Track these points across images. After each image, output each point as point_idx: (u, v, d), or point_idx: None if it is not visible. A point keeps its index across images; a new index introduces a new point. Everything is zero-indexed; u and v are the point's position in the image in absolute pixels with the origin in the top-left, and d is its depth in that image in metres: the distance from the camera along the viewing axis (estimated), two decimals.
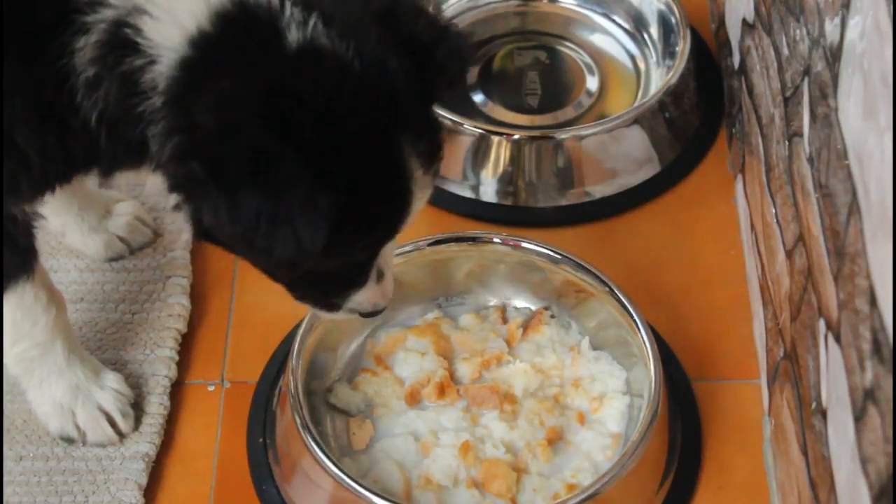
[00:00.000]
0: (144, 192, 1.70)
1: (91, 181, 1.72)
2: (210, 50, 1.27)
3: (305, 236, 1.22)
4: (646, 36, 2.14)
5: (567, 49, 2.16)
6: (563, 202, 1.95)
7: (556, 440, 1.66)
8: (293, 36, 1.26)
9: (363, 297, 1.48)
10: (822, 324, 1.41)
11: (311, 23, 1.27)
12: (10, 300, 1.55)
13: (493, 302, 1.80)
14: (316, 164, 1.23)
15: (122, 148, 1.34)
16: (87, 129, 1.33)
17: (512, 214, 1.95)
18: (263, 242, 1.23)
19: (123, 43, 1.28)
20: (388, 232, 1.39)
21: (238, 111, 1.23)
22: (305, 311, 1.69)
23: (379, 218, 1.35)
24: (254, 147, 1.22)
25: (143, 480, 1.66)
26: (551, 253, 1.75)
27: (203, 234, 1.32)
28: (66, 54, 1.29)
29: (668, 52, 2.09)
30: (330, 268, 1.39)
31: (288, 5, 1.27)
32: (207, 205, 1.24)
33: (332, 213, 1.23)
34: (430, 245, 1.77)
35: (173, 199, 1.30)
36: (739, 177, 1.93)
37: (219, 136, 1.23)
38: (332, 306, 1.50)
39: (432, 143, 1.35)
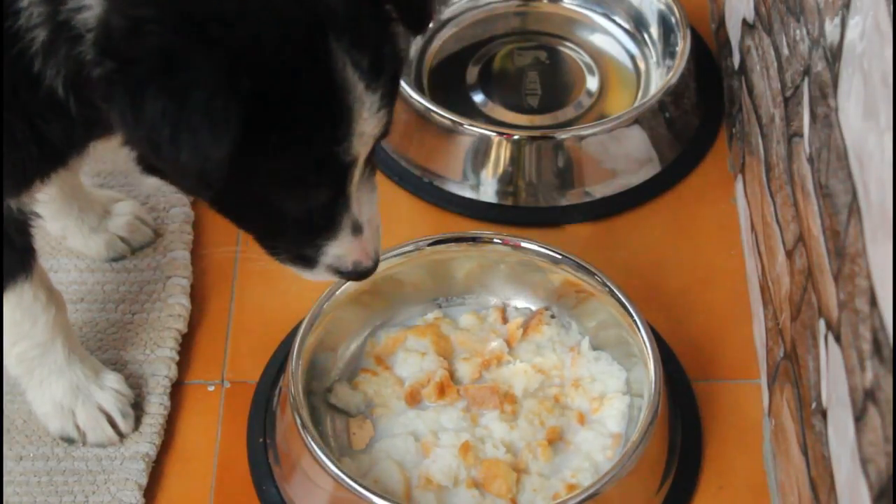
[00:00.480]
0: (143, 192, 1.68)
1: (84, 176, 1.71)
2: None
3: (206, 141, 1.15)
4: (646, 36, 2.14)
5: (567, 49, 2.16)
6: (564, 202, 1.95)
7: (556, 440, 1.66)
8: None
9: (339, 251, 1.41)
10: (822, 324, 1.41)
11: None
12: (9, 300, 1.54)
13: (494, 302, 1.80)
14: (225, 65, 1.16)
15: (92, 110, 1.28)
16: (55, 99, 1.28)
17: (512, 214, 1.95)
18: (168, 149, 1.16)
19: None
20: (323, 149, 1.28)
21: (147, 8, 1.17)
22: (305, 312, 1.69)
23: (306, 129, 1.25)
24: (160, 45, 1.16)
25: (143, 480, 1.66)
26: (551, 253, 1.75)
27: (138, 160, 1.28)
28: (9, 16, 1.24)
29: (669, 52, 2.09)
30: (287, 208, 1.33)
31: None
32: (115, 107, 1.18)
33: (235, 118, 1.16)
34: (430, 245, 1.77)
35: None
36: (739, 177, 1.93)
37: (127, 35, 1.17)
38: (308, 261, 1.42)
39: (376, 58, 1.26)
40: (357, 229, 1.40)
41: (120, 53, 1.18)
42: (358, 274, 1.45)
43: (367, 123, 1.28)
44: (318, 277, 1.45)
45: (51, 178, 1.44)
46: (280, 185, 1.32)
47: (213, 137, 1.15)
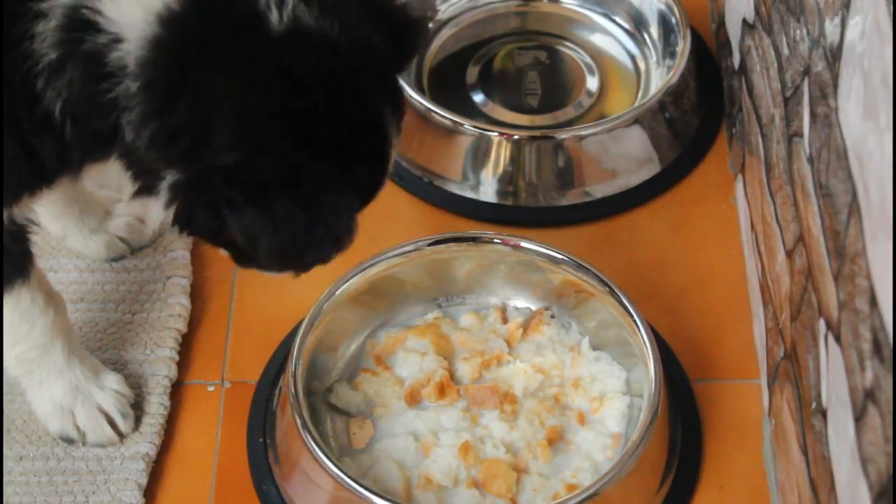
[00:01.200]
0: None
1: (84, 182, 1.71)
2: (183, 30, 1.24)
3: (345, 237, 1.29)
4: (646, 36, 2.14)
5: (567, 49, 2.15)
6: (564, 202, 1.95)
7: (556, 440, 1.66)
8: (275, 17, 1.24)
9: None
10: (822, 324, 1.41)
11: (292, 2, 1.25)
12: (7, 303, 1.54)
13: (494, 302, 1.80)
14: (337, 165, 1.26)
15: (91, 138, 1.32)
16: (49, 121, 1.30)
17: (512, 214, 1.95)
18: (299, 251, 1.28)
19: (84, 24, 1.25)
20: (374, 197, 1.39)
21: (253, 119, 1.23)
22: (305, 312, 1.69)
23: (376, 192, 1.38)
24: (282, 165, 1.24)
25: (143, 480, 1.66)
26: (551, 253, 1.75)
27: (221, 243, 1.36)
28: (25, 39, 1.26)
29: (669, 52, 2.09)
30: None
31: None
32: (240, 224, 1.26)
33: (359, 206, 1.29)
34: (430, 245, 1.77)
35: (162, 202, 1.30)
36: (739, 177, 1.93)
37: (242, 154, 1.24)
38: (307, 266, 1.48)
39: (402, 110, 1.37)
40: None
41: (242, 176, 1.24)
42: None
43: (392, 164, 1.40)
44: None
45: (40, 195, 1.45)
46: None
47: (347, 231, 1.29)
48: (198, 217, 1.31)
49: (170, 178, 1.29)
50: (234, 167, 1.24)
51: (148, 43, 1.25)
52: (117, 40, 1.25)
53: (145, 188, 1.34)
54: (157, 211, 1.33)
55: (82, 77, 1.27)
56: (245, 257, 1.40)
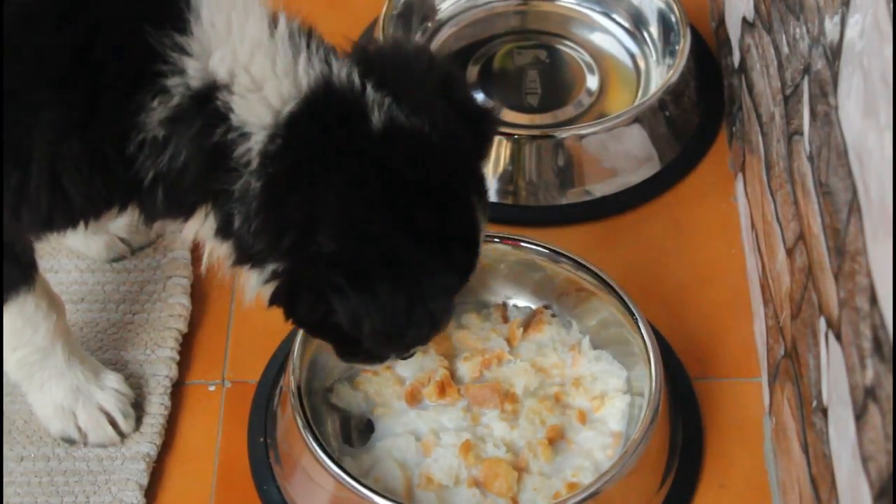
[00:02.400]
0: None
1: None
2: (303, 132, 1.32)
3: (442, 317, 1.35)
4: (646, 34, 2.14)
5: (567, 48, 2.16)
6: (564, 201, 1.95)
7: (556, 439, 1.66)
8: (376, 117, 1.32)
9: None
10: (822, 322, 1.41)
11: (387, 102, 1.33)
12: (10, 310, 1.55)
13: (494, 301, 1.80)
14: (437, 249, 1.33)
15: (177, 208, 1.38)
16: (135, 183, 1.35)
17: (512, 213, 1.95)
18: (399, 331, 1.33)
19: (212, 113, 1.31)
20: (467, 279, 1.45)
21: (356, 208, 1.30)
22: None
23: (468, 273, 1.43)
24: (383, 248, 1.30)
25: (144, 481, 1.66)
26: (552, 252, 1.75)
27: (315, 326, 1.43)
28: (136, 111, 1.31)
29: (668, 50, 2.09)
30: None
31: (368, 87, 1.34)
32: (345, 308, 1.32)
33: (456, 288, 1.35)
34: None
35: (265, 288, 1.38)
36: (740, 175, 1.93)
37: (346, 239, 1.30)
38: (383, 358, 1.58)
39: (486, 196, 1.44)
40: None
41: (345, 260, 1.31)
42: (413, 353, 1.63)
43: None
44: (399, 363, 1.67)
45: (46, 237, 1.51)
46: None
47: (446, 312, 1.36)
48: (302, 302, 1.37)
49: (274, 265, 1.36)
50: (337, 254, 1.31)
51: (271, 142, 1.31)
52: (244, 136, 1.31)
53: (244, 261, 1.39)
54: (253, 285, 1.39)
55: (198, 164, 1.32)
56: (349, 345, 1.48)
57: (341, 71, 1.34)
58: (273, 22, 1.35)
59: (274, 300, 1.40)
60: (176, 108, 1.31)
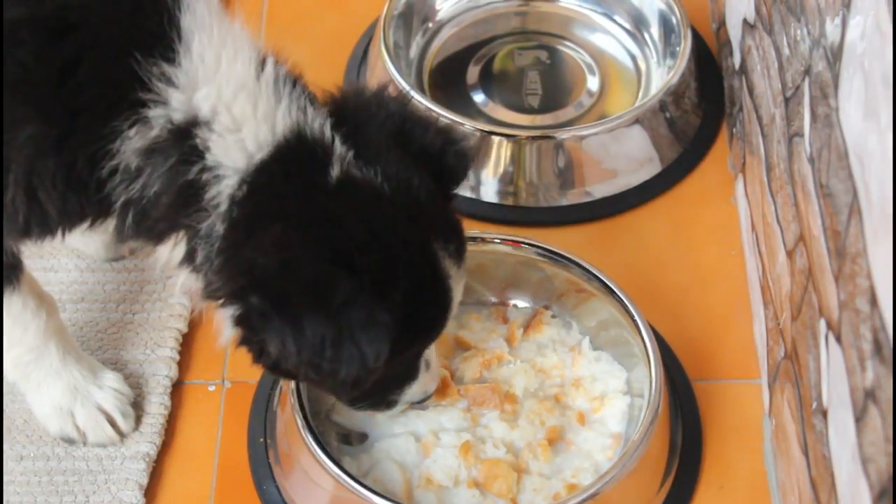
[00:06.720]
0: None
1: None
2: (269, 180, 1.33)
3: (370, 353, 1.29)
4: (646, 36, 2.14)
5: (568, 49, 2.16)
6: (564, 202, 1.95)
7: (556, 440, 1.66)
8: (335, 169, 1.33)
9: (417, 389, 1.56)
10: (822, 324, 1.41)
11: (349, 155, 1.34)
12: None
13: (494, 301, 1.80)
14: (370, 285, 1.29)
15: (146, 233, 1.39)
16: (106, 205, 1.36)
17: (512, 214, 1.95)
18: (329, 365, 1.29)
19: (189, 150, 1.32)
20: (438, 330, 1.45)
21: (293, 249, 1.29)
22: None
23: (430, 320, 1.42)
24: (311, 278, 1.28)
25: (144, 480, 1.66)
26: (552, 253, 1.75)
27: (270, 365, 1.38)
28: (110, 137, 1.31)
29: (669, 51, 2.09)
30: (388, 374, 1.43)
31: (337, 138, 1.35)
32: (272, 336, 1.30)
33: (392, 327, 1.30)
34: None
35: (232, 330, 1.36)
36: (740, 177, 1.93)
37: (278, 273, 1.29)
38: (390, 404, 1.57)
39: (459, 241, 1.43)
40: (427, 364, 1.55)
41: (271, 288, 1.29)
42: (424, 399, 1.60)
43: (458, 296, 1.44)
44: (395, 413, 1.63)
45: (21, 243, 1.49)
46: (401, 364, 1.49)
47: (376, 348, 1.29)
48: (244, 339, 1.36)
49: (232, 309, 1.35)
50: (264, 283, 1.29)
51: (240, 187, 1.32)
52: (218, 178, 1.32)
53: (211, 297, 1.39)
54: (226, 325, 1.37)
55: (170, 199, 1.33)
56: (336, 389, 1.47)
57: (315, 121, 1.35)
58: (261, 65, 1.35)
59: (241, 344, 1.39)
60: (154, 140, 1.31)
